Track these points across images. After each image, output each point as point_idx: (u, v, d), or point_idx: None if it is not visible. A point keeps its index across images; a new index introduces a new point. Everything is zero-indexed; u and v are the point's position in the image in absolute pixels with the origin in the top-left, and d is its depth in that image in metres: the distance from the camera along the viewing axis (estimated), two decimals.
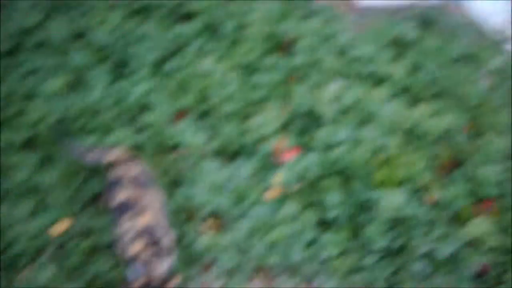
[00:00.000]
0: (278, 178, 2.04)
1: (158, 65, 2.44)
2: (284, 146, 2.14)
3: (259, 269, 1.88)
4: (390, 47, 2.60)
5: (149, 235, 1.62)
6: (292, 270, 1.87)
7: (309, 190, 2.00)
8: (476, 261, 1.83)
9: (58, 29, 2.57)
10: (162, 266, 1.56)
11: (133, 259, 1.58)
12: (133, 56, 2.45)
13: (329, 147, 2.12)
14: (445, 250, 1.83)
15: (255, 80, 2.39)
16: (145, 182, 1.78)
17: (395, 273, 1.80)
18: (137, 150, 2.12)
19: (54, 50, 2.50)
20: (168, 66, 2.43)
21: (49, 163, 2.10)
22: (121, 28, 2.58)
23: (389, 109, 2.26)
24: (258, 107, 2.30)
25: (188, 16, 2.70)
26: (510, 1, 2.95)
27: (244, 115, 2.27)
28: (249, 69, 2.45)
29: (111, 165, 1.84)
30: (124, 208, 1.68)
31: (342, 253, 1.86)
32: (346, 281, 1.80)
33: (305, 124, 2.24)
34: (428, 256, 1.83)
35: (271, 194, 2.01)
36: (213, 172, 2.07)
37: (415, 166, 2.04)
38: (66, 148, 2.06)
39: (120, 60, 2.46)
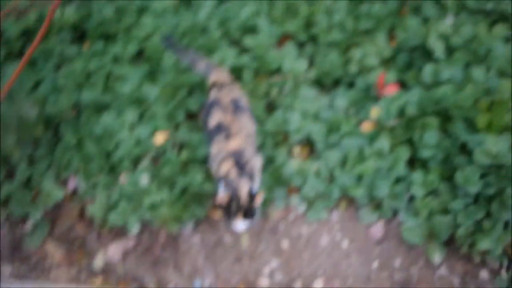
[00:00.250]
0: (376, 111, 2.03)
1: None
2: (385, 79, 2.09)
3: (343, 199, 1.97)
4: None
5: (238, 158, 1.71)
6: (375, 204, 1.93)
7: (405, 127, 1.97)
8: None
9: None
10: (248, 187, 1.65)
11: (222, 177, 1.70)
12: None
13: (434, 85, 2.03)
14: None
15: (364, 9, 2.28)
16: (241, 107, 1.84)
17: (481, 220, 1.78)
18: (238, 71, 2.19)
19: None
20: None
21: (155, 76, 2.24)
22: None
23: (505, 50, 2.07)
24: (364, 38, 2.22)
25: None
26: None
27: (348, 45, 2.22)
28: None
29: (214, 85, 1.93)
30: (218, 129, 1.78)
31: (430, 194, 1.87)
32: (430, 221, 1.83)
33: (411, 59, 2.15)
34: None
35: (366, 127, 2.03)
36: (310, 99, 2.11)
37: None
38: (176, 58, 2.16)
39: None
